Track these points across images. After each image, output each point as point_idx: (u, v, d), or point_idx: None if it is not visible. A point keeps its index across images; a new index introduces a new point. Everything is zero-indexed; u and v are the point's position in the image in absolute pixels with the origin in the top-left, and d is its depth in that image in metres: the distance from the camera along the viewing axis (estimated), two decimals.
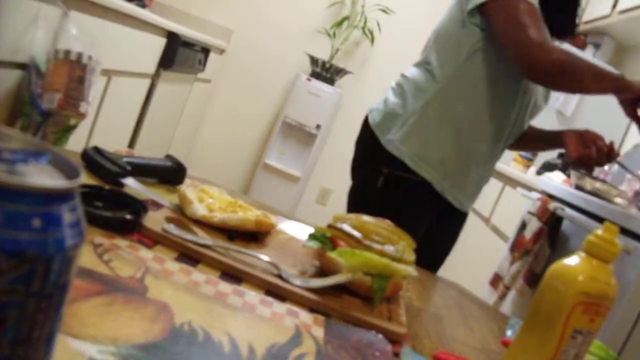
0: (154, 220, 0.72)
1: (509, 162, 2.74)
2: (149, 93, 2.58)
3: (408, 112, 1.33)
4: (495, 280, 1.87)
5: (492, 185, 2.62)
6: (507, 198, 2.44)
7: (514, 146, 1.53)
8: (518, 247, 1.80)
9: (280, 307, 0.62)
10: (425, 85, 1.33)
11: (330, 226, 0.79)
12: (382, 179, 1.32)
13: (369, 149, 1.39)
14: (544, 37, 1.19)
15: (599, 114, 2.89)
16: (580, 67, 1.20)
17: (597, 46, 3.14)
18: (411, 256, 0.78)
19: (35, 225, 0.27)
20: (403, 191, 1.33)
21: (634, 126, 2.86)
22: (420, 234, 1.39)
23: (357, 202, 1.43)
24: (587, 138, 1.33)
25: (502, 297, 1.78)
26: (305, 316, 0.62)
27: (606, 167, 2.29)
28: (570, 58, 1.20)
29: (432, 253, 1.49)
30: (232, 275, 0.67)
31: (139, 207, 0.73)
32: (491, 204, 2.56)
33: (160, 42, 2.48)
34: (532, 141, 1.53)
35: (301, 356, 0.53)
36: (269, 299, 0.63)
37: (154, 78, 2.58)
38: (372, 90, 3.70)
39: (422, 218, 1.37)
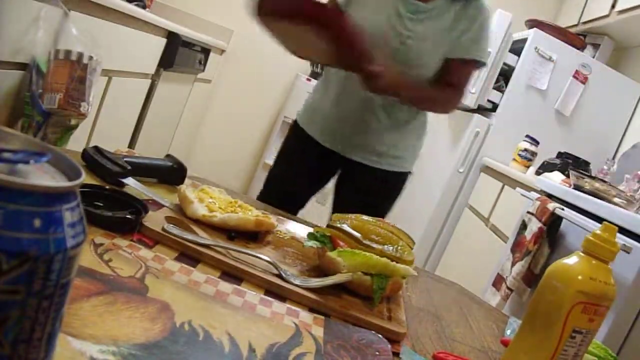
0: (154, 220, 0.72)
1: (509, 162, 2.74)
2: (149, 93, 2.58)
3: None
4: (498, 282, 1.87)
5: (492, 185, 2.62)
6: (507, 198, 2.44)
7: None
8: (519, 247, 1.80)
9: (280, 307, 0.62)
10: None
11: (330, 226, 0.80)
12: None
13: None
14: None
15: (598, 114, 2.90)
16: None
17: (596, 46, 3.14)
18: (410, 256, 0.78)
19: (36, 225, 0.27)
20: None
21: (633, 126, 2.88)
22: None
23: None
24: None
25: (506, 298, 1.78)
26: (305, 316, 0.62)
27: (605, 167, 2.29)
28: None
29: (341, 204, 1.70)
30: (232, 274, 0.68)
31: (140, 207, 0.73)
32: (490, 204, 2.56)
33: (160, 42, 2.48)
34: None
35: (301, 355, 0.53)
36: (269, 298, 0.64)
37: (154, 78, 2.57)
38: None
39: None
